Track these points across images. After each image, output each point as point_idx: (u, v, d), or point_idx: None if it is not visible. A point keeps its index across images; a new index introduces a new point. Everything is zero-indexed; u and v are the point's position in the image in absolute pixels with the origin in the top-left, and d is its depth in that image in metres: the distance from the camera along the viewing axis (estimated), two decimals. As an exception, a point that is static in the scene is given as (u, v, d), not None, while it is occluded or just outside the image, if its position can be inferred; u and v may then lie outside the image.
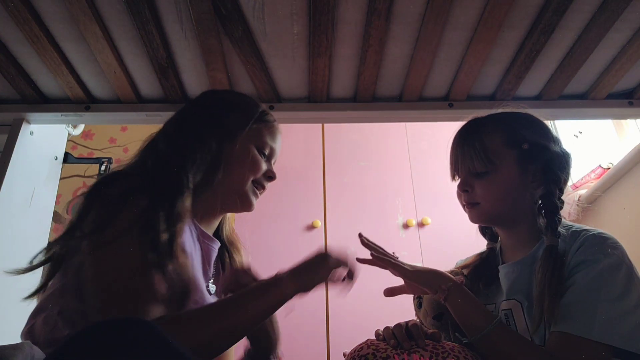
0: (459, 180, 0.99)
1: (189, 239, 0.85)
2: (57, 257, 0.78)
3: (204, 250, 0.92)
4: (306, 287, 0.78)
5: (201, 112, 0.96)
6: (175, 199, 0.78)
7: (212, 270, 0.94)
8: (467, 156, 0.96)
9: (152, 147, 0.90)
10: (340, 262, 0.83)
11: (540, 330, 0.84)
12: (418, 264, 2.29)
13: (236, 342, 0.75)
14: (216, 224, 0.98)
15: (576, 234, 0.86)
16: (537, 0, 1.08)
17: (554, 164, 0.93)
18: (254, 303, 0.74)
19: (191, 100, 1.01)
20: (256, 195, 0.96)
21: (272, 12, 1.09)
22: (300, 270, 0.79)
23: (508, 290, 0.93)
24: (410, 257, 2.13)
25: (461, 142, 0.99)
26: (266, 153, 0.97)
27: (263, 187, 0.97)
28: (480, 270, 1.03)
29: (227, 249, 1.02)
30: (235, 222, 2.17)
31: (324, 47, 1.16)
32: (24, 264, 0.81)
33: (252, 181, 0.94)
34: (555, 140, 0.98)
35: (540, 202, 0.93)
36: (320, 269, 0.80)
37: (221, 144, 0.90)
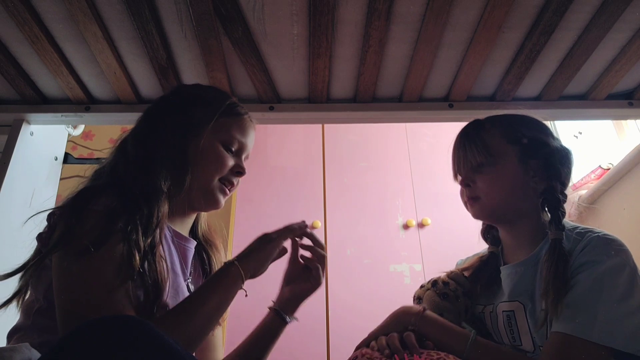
0: (462, 177, 1.00)
1: (164, 242, 0.85)
2: (31, 267, 0.78)
3: (180, 251, 0.92)
4: (255, 272, 0.84)
5: (166, 110, 0.94)
6: (152, 207, 0.79)
7: (189, 269, 0.94)
8: (468, 151, 0.98)
9: (122, 150, 0.90)
10: (282, 236, 0.89)
11: (543, 329, 0.84)
12: (418, 264, 2.31)
13: (206, 335, 0.79)
14: (190, 222, 0.98)
15: (581, 234, 0.86)
16: (537, 1, 1.08)
17: (554, 159, 0.94)
18: (211, 297, 0.78)
19: (160, 97, 1.00)
20: (224, 193, 0.93)
21: (272, 13, 1.09)
22: (247, 255, 0.84)
23: (511, 292, 0.93)
24: (410, 257, 2.13)
25: (462, 140, 1.01)
26: (233, 148, 0.94)
27: (232, 184, 0.94)
28: (481, 272, 1.03)
29: (204, 247, 1.02)
30: (236, 222, 2.17)
31: (324, 48, 1.16)
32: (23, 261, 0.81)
33: (219, 179, 0.92)
34: (554, 137, 0.99)
35: (542, 197, 0.93)
36: (264, 250, 0.86)
37: (186, 142, 0.88)
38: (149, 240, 0.76)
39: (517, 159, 0.94)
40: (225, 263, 0.83)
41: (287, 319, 0.95)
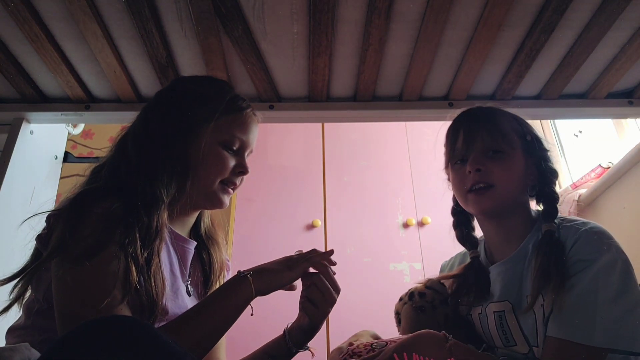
0: (470, 159, 0.91)
1: (164, 245, 0.85)
2: (29, 272, 0.78)
3: (180, 253, 0.91)
4: (266, 291, 0.82)
5: (165, 111, 0.91)
6: (151, 217, 0.78)
7: (188, 271, 0.93)
8: (484, 132, 0.92)
9: (123, 152, 0.88)
10: (302, 267, 0.86)
11: (535, 329, 0.84)
12: (418, 263, 2.31)
13: (213, 345, 0.77)
14: (191, 222, 0.97)
15: (569, 227, 0.86)
16: (537, 0, 1.08)
17: (547, 159, 0.96)
18: (220, 308, 0.77)
19: (158, 93, 0.96)
20: (227, 193, 0.92)
21: (272, 11, 1.09)
22: (263, 272, 0.82)
23: (501, 292, 0.92)
24: (410, 256, 2.13)
25: (475, 118, 0.96)
26: (235, 148, 0.91)
27: (234, 184, 0.92)
28: (469, 279, 0.98)
29: (205, 245, 1.00)
30: (235, 221, 2.17)
31: (323, 47, 1.16)
32: (22, 265, 0.81)
33: (221, 181, 0.90)
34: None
35: (538, 189, 0.94)
36: (282, 275, 0.83)
37: (186, 146, 0.86)
38: (146, 253, 0.75)
39: (522, 153, 0.93)
40: (239, 272, 0.81)
41: (294, 349, 0.92)
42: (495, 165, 0.90)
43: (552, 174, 0.95)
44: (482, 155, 0.91)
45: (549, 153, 0.97)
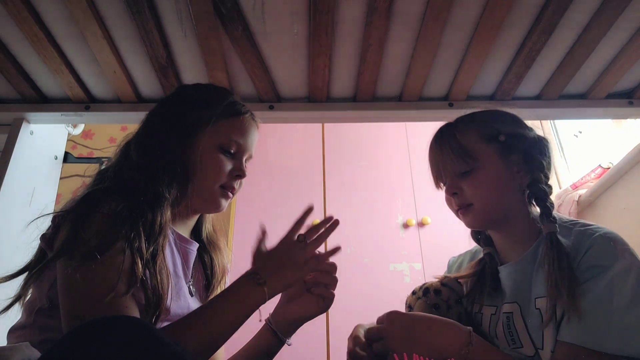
0: (446, 185, 0.96)
1: (167, 245, 0.85)
2: (36, 272, 0.78)
3: (182, 254, 0.92)
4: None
5: (165, 115, 0.93)
6: (155, 213, 0.79)
7: (190, 271, 0.94)
8: (447, 158, 0.94)
9: (126, 154, 0.90)
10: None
11: (541, 331, 0.83)
12: (418, 263, 2.30)
13: (218, 347, 0.77)
14: (192, 224, 0.97)
15: (583, 232, 0.84)
16: (537, 0, 1.08)
17: (534, 150, 0.93)
18: (227, 309, 0.76)
19: (161, 99, 1.00)
20: (226, 197, 0.92)
21: (272, 12, 1.09)
22: (277, 275, 0.80)
23: (511, 293, 0.92)
24: (410, 256, 2.13)
25: (438, 146, 0.98)
26: (232, 151, 0.91)
27: (233, 188, 0.93)
28: (482, 277, 0.99)
29: (207, 248, 1.01)
30: (235, 222, 2.17)
31: (324, 47, 1.16)
32: (23, 264, 0.82)
33: (221, 185, 0.91)
34: (529, 129, 0.97)
35: (528, 191, 0.92)
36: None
37: (185, 149, 0.88)
38: (152, 248, 0.76)
39: (499, 157, 0.91)
40: (250, 273, 0.80)
41: (287, 341, 0.92)
42: (467, 184, 0.92)
43: (539, 168, 0.92)
44: (455, 178, 0.94)
45: (534, 143, 0.94)
